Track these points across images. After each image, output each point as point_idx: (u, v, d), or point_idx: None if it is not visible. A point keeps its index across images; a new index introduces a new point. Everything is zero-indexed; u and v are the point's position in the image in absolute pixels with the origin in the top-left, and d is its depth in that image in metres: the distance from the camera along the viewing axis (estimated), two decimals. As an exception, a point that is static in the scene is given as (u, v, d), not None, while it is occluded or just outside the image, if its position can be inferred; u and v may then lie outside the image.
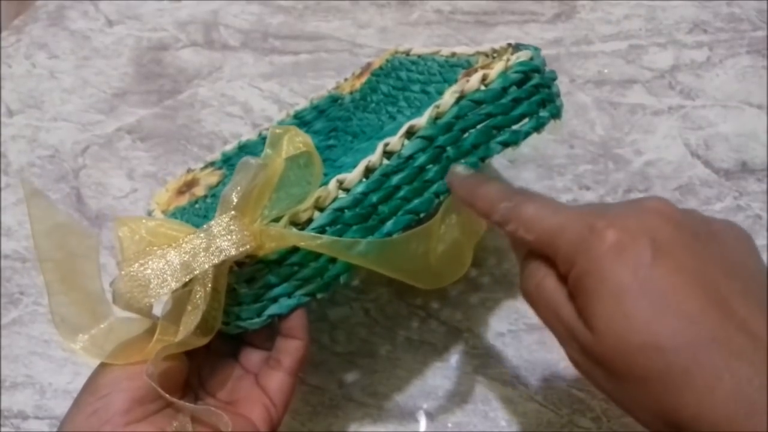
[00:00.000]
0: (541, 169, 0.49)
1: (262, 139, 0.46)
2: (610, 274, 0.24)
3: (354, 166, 0.32)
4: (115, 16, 0.63)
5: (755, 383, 0.22)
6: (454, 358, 0.43)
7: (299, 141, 0.31)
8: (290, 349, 0.33)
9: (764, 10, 0.55)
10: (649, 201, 0.26)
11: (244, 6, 0.62)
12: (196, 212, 0.40)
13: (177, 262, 0.29)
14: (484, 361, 0.43)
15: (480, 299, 0.45)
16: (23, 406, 0.44)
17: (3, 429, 0.43)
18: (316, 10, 0.61)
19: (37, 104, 0.58)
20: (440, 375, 0.43)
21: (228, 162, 0.45)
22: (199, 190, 0.42)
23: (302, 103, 0.49)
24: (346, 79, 0.49)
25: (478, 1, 0.59)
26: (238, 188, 0.30)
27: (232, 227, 0.29)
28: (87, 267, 0.31)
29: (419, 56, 0.43)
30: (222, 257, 0.29)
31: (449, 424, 0.41)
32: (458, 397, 0.42)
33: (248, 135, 0.48)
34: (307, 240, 0.30)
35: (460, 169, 0.33)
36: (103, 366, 0.31)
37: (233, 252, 0.29)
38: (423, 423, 0.41)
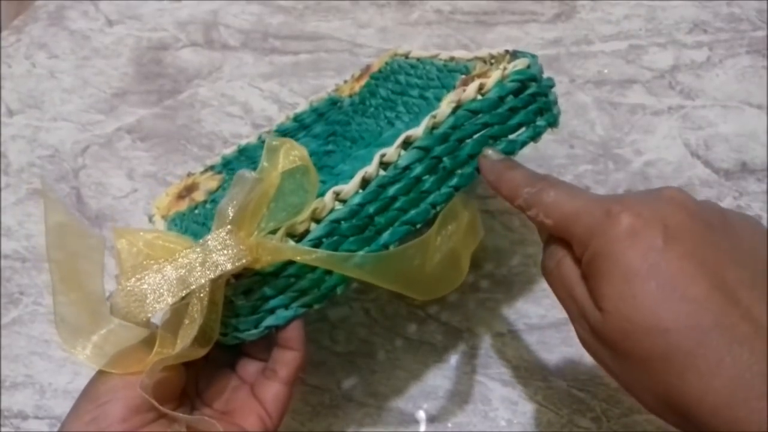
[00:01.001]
0: (541, 170, 0.48)
1: (262, 142, 0.46)
2: (621, 257, 0.25)
3: (351, 176, 0.32)
4: (115, 16, 0.63)
5: (755, 369, 0.22)
6: (454, 358, 0.43)
7: (295, 155, 0.31)
8: (287, 359, 0.33)
9: (764, 10, 0.55)
10: (666, 190, 0.27)
11: (244, 6, 0.62)
12: (195, 218, 0.40)
13: (173, 277, 0.29)
14: (484, 361, 0.43)
15: (480, 300, 0.45)
16: (23, 406, 0.44)
17: (3, 429, 0.43)
18: (316, 10, 0.61)
19: (37, 104, 0.58)
20: (440, 375, 0.43)
21: (228, 166, 0.45)
22: (199, 195, 0.42)
23: (302, 106, 0.49)
24: (345, 82, 0.49)
25: (478, 1, 0.59)
26: (234, 202, 0.30)
27: (228, 242, 0.29)
28: (92, 268, 0.31)
29: (418, 59, 0.43)
30: (218, 272, 0.29)
31: (449, 425, 0.41)
32: (458, 397, 0.42)
33: (248, 138, 0.47)
34: (303, 254, 0.30)
35: (491, 152, 0.33)
36: (101, 373, 0.31)
37: (229, 266, 0.29)
38: (423, 423, 0.41)
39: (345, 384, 0.43)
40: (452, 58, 0.40)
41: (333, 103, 0.48)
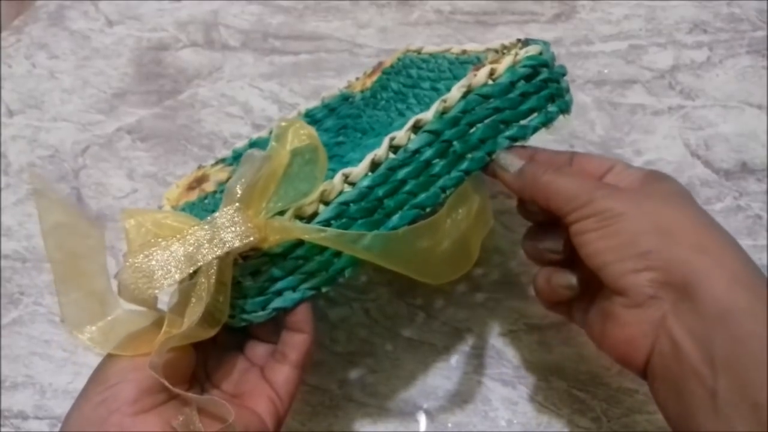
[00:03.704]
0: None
1: None
2: None
3: (360, 161, 0.32)
4: (115, 16, 0.63)
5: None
6: (454, 358, 0.43)
7: (304, 133, 0.31)
8: (296, 342, 0.33)
9: (764, 10, 0.55)
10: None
11: (244, 6, 0.62)
12: (205, 207, 0.40)
13: (181, 254, 0.29)
14: (485, 361, 0.43)
15: (480, 299, 0.45)
16: (23, 406, 0.44)
17: (3, 429, 0.43)
18: (316, 10, 0.61)
19: (37, 104, 0.58)
20: (440, 375, 0.43)
21: (239, 159, 0.45)
22: (209, 186, 0.42)
23: (313, 102, 0.49)
24: (357, 78, 0.49)
25: (478, 1, 0.59)
26: (243, 180, 0.30)
27: (236, 219, 0.29)
28: (94, 262, 0.31)
29: (430, 54, 0.43)
30: (225, 249, 0.29)
31: (449, 424, 0.41)
32: (458, 397, 0.42)
33: (259, 132, 0.48)
34: (311, 233, 0.30)
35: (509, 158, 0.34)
36: (110, 357, 0.30)
37: (237, 244, 0.29)
38: (423, 423, 0.41)
39: (345, 384, 0.43)
40: (464, 51, 0.40)
41: (345, 98, 0.48)
